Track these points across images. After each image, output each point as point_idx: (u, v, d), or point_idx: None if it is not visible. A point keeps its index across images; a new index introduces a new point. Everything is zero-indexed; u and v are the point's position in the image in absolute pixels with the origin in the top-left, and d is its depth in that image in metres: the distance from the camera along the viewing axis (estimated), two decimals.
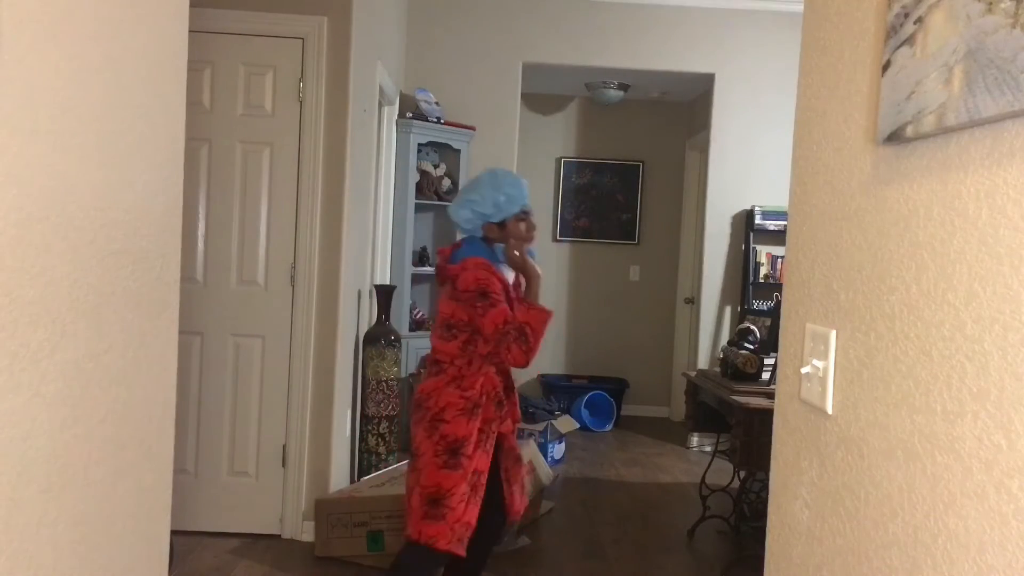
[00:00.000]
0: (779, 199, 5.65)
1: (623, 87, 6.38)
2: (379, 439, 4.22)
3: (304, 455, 3.72)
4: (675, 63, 5.78)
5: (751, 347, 3.81)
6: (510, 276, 2.70)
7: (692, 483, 4.83)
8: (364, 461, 4.24)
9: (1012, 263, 0.74)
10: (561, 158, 7.02)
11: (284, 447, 3.72)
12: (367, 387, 4.20)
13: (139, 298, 1.31)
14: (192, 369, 3.66)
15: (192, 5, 1.49)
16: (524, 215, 2.65)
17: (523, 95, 5.91)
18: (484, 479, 2.58)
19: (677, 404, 6.62)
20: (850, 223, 1.07)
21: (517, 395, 2.76)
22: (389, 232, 5.02)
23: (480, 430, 2.55)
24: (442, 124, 5.30)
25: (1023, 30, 0.70)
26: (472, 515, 2.53)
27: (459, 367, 2.57)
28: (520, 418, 2.79)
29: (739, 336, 3.95)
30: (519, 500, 2.73)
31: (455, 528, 2.49)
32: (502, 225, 2.64)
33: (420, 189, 5.28)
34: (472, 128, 5.53)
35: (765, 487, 3.75)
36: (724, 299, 6.02)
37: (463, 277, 2.52)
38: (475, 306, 2.50)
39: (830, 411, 1.10)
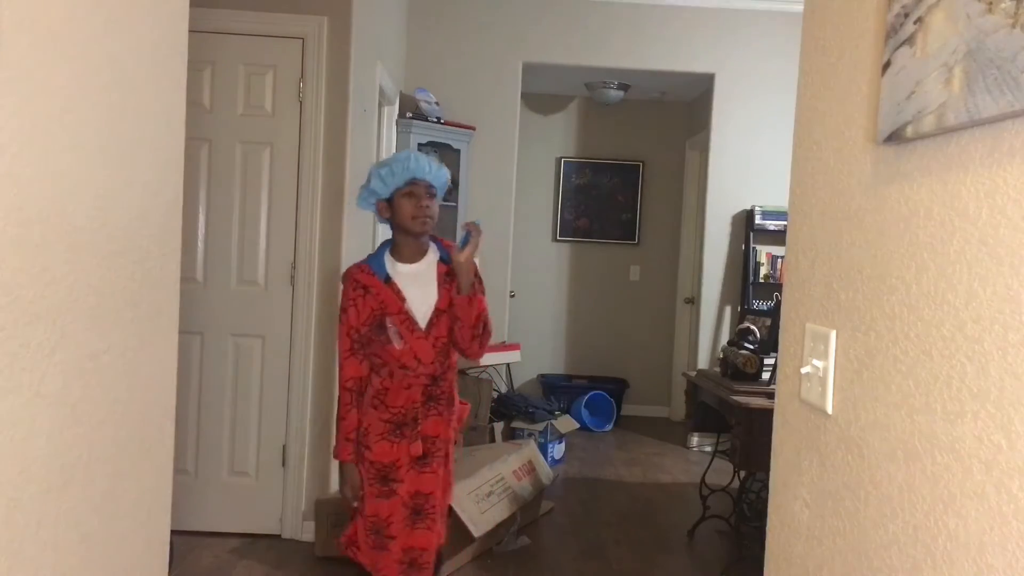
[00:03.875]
0: (779, 199, 5.64)
1: (623, 87, 6.37)
2: None
3: (304, 455, 3.72)
4: (675, 63, 5.78)
5: (751, 347, 3.81)
6: (415, 278, 2.50)
7: (692, 483, 4.82)
8: None
9: (1012, 263, 0.74)
10: (561, 158, 7.02)
11: (284, 447, 3.72)
12: None
13: (139, 298, 1.31)
14: (192, 369, 3.66)
15: (192, 5, 1.49)
16: (410, 188, 2.37)
17: (523, 95, 5.91)
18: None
19: (677, 404, 6.61)
20: (850, 223, 1.07)
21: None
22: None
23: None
24: (442, 124, 5.30)
25: (1023, 30, 0.70)
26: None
27: None
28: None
29: (739, 336, 3.95)
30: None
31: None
32: (391, 203, 2.43)
33: None
34: (472, 128, 5.53)
35: (765, 487, 3.74)
36: (724, 299, 6.02)
37: None
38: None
39: (830, 411, 1.10)
